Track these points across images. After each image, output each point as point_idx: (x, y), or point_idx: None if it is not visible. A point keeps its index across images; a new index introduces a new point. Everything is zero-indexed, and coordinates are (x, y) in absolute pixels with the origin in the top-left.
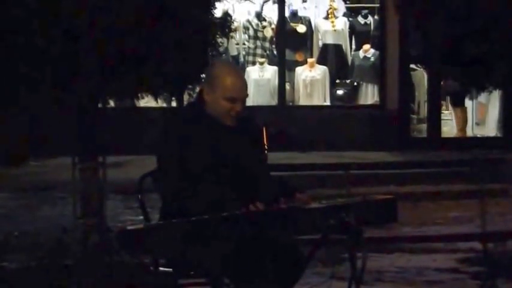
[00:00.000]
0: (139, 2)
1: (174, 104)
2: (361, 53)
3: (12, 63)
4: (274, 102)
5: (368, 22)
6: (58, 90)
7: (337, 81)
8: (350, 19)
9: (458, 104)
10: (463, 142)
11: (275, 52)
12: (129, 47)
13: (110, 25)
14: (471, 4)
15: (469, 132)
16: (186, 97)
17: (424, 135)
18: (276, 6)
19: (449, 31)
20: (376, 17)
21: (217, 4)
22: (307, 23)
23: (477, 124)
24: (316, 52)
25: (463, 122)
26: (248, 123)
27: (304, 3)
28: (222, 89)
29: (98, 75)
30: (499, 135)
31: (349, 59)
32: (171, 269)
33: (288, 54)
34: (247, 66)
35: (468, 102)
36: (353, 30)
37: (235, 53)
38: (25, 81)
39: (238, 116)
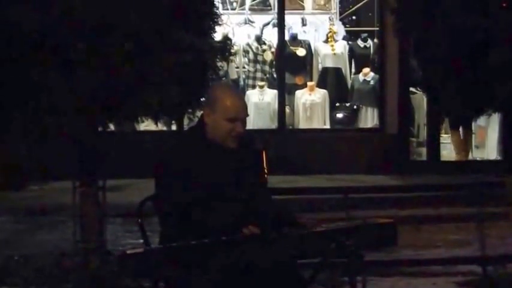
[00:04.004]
0: (138, 27)
1: (174, 127)
2: (360, 77)
3: (8, 91)
4: (274, 125)
5: (368, 46)
6: (55, 118)
7: (337, 104)
8: (350, 42)
9: (455, 127)
10: (462, 165)
11: (275, 75)
12: (128, 73)
13: (109, 51)
14: (471, 27)
15: (469, 156)
16: (186, 121)
17: (424, 158)
18: (275, 29)
19: (449, 54)
20: (375, 40)
21: (217, 28)
22: (307, 46)
23: (477, 147)
24: (315, 75)
25: (459, 145)
26: (249, 145)
27: (304, 27)
28: (223, 110)
29: (96, 103)
30: (498, 158)
31: (349, 82)
32: None
33: (288, 77)
34: (247, 90)
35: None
36: (353, 53)
37: (235, 76)
38: (21, 110)
39: (239, 137)
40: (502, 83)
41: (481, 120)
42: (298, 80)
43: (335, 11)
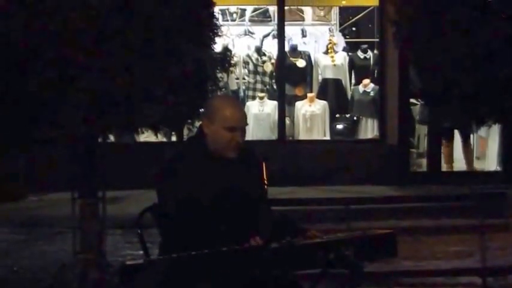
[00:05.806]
0: (137, 39)
1: (173, 138)
2: (360, 88)
3: (6, 103)
4: (274, 136)
5: (368, 57)
6: (54, 128)
7: (337, 115)
8: (350, 54)
9: (449, 138)
10: (463, 176)
11: (275, 87)
12: (128, 84)
13: (108, 62)
14: (471, 38)
15: (471, 167)
16: (185, 131)
17: (424, 169)
18: (275, 41)
19: (449, 65)
20: (375, 51)
21: (217, 39)
22: (307, 57)
23: (477, 158)
24: (315, 87)
25: (448, 157)
26: (249, 156)
27: (304, 38)
28: (222, 119)
29: (96, 114)
30: (499, 169)
31: (349, 93)
32: None
33: (288, 88)
34: (247, 101)
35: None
36: (353, 64)
37: (235, 87)
38: (21, 121)
39: (239, 147)
40: (503, 94)
41: (482, 131)
42: (298, 91)
43: (335, 22)
